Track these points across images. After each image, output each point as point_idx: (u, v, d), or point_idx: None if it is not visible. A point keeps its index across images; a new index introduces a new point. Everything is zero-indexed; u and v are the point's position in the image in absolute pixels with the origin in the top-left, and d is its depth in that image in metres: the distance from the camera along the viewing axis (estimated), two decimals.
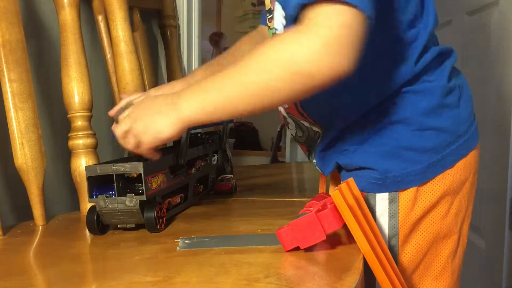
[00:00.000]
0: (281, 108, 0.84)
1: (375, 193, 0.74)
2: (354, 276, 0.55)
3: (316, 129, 0.81)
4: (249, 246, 0.67)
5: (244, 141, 3.63)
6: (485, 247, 1.60)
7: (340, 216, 0.62)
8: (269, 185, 1.22)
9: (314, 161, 0.84)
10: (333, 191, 0.62)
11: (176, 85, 0.88)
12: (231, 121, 1.15)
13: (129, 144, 0.74)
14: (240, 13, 3.87)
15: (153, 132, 0.71)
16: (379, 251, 0.63)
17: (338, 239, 0.66)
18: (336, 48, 0.58)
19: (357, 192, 0.66)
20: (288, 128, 0.87)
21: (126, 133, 0.74)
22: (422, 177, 0.72)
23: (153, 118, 0.70)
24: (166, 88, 0.88)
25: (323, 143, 0.79)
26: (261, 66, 0.63)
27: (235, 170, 1.21)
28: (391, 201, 0.73)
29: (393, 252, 0.74)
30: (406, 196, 0.73)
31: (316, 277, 0.55)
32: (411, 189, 0.72)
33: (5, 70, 0.84)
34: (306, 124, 0.82)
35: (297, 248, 0.63)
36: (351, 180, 0.67)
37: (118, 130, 0.75)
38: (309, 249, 0.63)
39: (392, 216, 0.73)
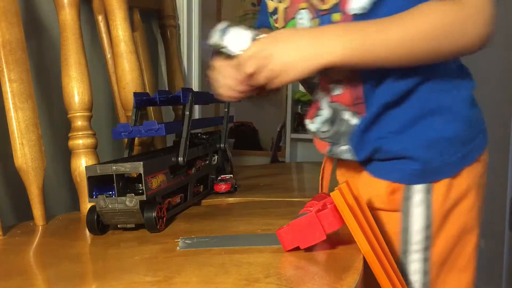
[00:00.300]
0: (323, 99, 0.80)
1: (413, 184, 0.74)
2: (354, 276, 0.55)
3: (355, 121, 0.77)
4: (249, 246, 0.67)
5: (244, 141, 3.63)
6: (485, 247, 1.60)
7: (340, 216, 0.62)
8: (269, 185, 1.22)
9: (343, 147, 0.80)
10: (333, 191, 0.62)
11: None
12: (231, 121, 1.15)
13: (257, 81, 0.69)
14: (240, 13, 3.86)
15: (294, 71, 0.67)
16: (379, 251, 0.63)
17: (338, 239, 0.66)
18: (491, 26, 0.68)
19: (357, 192, 0.66)
20: (312, 122, 0.83)
21: (255, 71, 0.68)
22: (456, 168, 0.74)
23: (294, 56, 0.66)
24: None
25: (363, 125, 0.76)
26: (431, 22, 0.66)
27: (235, 170, 1.21)
28: (427, 192, 0.74)
29: (427, 243, 0.75)
30: (440, 187, 0.74)
31: (316, 277, 0.55)
32: (445, 180, 0.74)
33: (5, 70, 0.84)
34: (347, 115, 0.78)
35: (297, 248, 0.63)
36: (350, 180, 0.67)
37: (246, 68, 0.69)
38: (309, 249, 0.63)
39: (427, 207, 0.74)
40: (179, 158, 0.88)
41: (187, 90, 0.93)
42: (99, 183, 0.78)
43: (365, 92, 0.75)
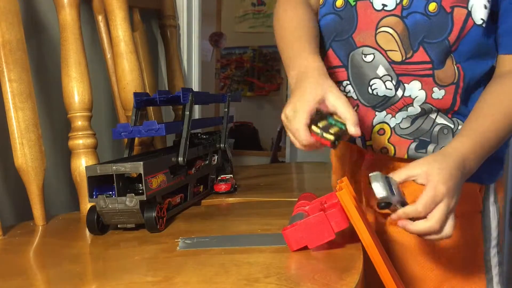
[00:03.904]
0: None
1: (491, 184, 0.82)
2: (354, 276, 0.55)
3: (443, 121, 0.78)
4: (249, 246, 0.67)
5: (244, 141, 3.63)
6: None
7: (346, 216, 0.62)
8: (269, 185, 1.22)
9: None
10: (338, 191, 0.63)
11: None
12: (231, 121, 1.15)
13: (447, 227, 0.66)
14: (240, 13, 3.87)
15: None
16: (381, 247, 0.64)
17: (338, 239, 0.66)
18: None
19: (353, 192, 0.67)
20: (393, 117, 0.79)
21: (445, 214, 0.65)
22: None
23: (458, 194, 0.67)
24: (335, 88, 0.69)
25: None
26: None
27: (235, 170, 1.21)
28: (494, 190, 0.82)
29: (499, 237, 0.83)
30: (498, 186, 0.84)
31: (316, 277, 0.55)
32: (499, 180, 0.84)
33: (5, 70, 0.84)
34: (435, 115, 0.78)
35: (301, 248, 0.63)
36: (345, 178, 0.67)
37: (439, 214, 0.64)
38: (315, 248, 0.63)
39: (496, 202, 0.83)
40: (179, 158, 0.88)
41: (187, 90, 0.93)
42: (99, 183, 0.78)
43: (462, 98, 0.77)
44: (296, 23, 0.80)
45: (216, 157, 1.08)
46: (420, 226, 0.64)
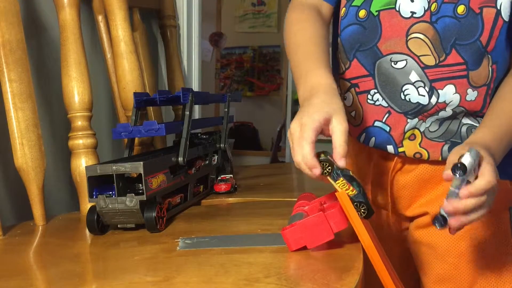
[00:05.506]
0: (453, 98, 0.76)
1: None
2: (354, 276, 0.55)
3: (470, 121, 0.78)
4: (249, 246, 0.67)
5: (244, 141, 3.63)
6: None
7: (345, 216, 0.62)
8: (269, 185, 1.22)
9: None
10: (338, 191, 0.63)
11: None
12: (231, 121, 1.15)
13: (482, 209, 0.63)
14: (240, 13, 3.87)
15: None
16: (380, 248, 0.64)
17: (338, 239, 0.66)
18: None
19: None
20: (424, 122, 0.79)
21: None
22: None
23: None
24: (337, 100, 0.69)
25: None
26: None
27: (235, 170, 1.21)
28: None
29: None
30: None
31: (316, 277, 0.55)
32: None
33: (5, 70, 0.84)
34: (463, 117, 0.78)
35: (301, 248, 0.63)
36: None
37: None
38: (314, 249, 0.63)
39: None
40: (179, 158, 0.88)
41: (187, 90, 0.93)
42: (99, 183, 0.78)
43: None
44: (308, 38, 0.79)
45: (216, 157, 1.08)
46: (479, 183, 0.61)
